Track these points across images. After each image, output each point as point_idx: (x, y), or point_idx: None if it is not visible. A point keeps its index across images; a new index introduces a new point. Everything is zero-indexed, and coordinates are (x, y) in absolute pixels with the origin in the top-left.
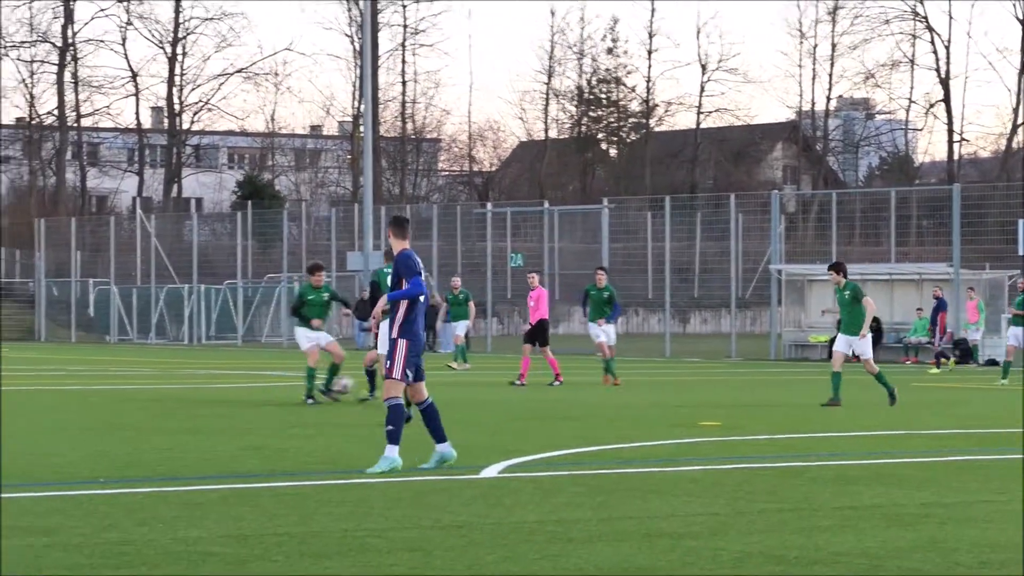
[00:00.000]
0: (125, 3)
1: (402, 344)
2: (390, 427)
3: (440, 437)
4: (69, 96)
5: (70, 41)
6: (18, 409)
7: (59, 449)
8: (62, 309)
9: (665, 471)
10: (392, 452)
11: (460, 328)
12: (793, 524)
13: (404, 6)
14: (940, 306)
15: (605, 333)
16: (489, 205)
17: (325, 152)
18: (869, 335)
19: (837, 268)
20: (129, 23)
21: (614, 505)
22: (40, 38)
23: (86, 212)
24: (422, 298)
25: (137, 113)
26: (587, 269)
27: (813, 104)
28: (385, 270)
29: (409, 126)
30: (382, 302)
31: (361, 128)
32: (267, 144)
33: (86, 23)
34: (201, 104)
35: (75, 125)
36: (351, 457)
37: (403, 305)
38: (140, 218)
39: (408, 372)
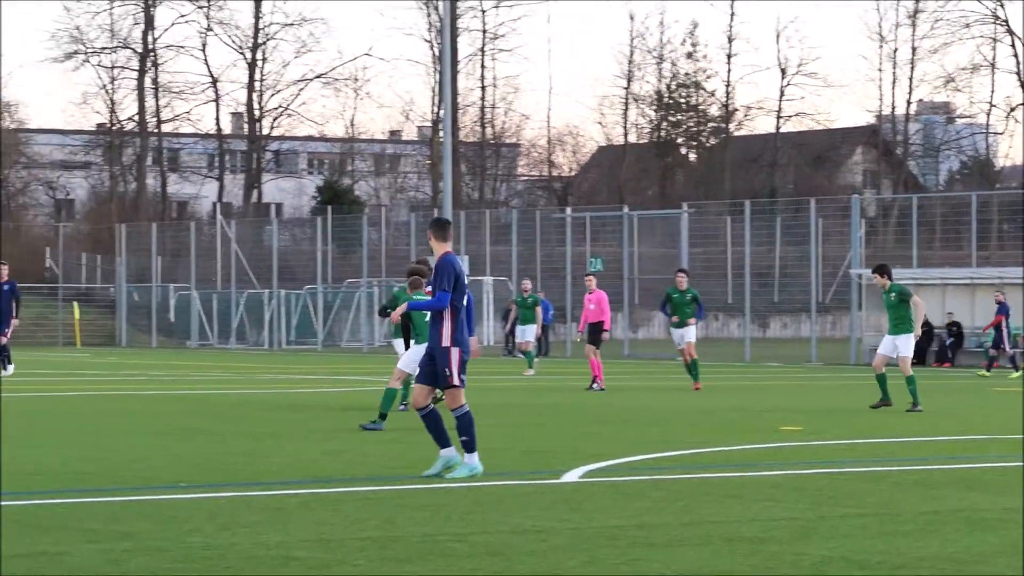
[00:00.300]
0: (205, 9)
1: (454, 352)
2: (464, 437)
3: (444, 442)
4: (150, 102)
5: (151, 47)
6: (100, 414)
7: (141, 454)
8: (143, 314)
9: (746, 475)
10: (472, 459)
11: (529, 333)
12: (875, 529)
13: (483, 11)
14: (1001, 310)
15: (687, 336)
16: (568, 210)
17: (404, 157)
18: (912, 335)
19: (881, 271)
20: (209, 29)
21: (695, 509)
22: (121, 44)
23: (167, 217)
24: (466, 302)
25: (217, 119)
26: (666, 274)
27: (893, 108)
28: (396, 291)
29: (488, 131)
30: (402, 308)
31: (440, 133)
32: (347, 149)
33: (166, 29)
34: (281, 109)
35: (156, 131)
36: (431, 462)
37: (447, 315)
38: (220, 223)
39: (464, 378)
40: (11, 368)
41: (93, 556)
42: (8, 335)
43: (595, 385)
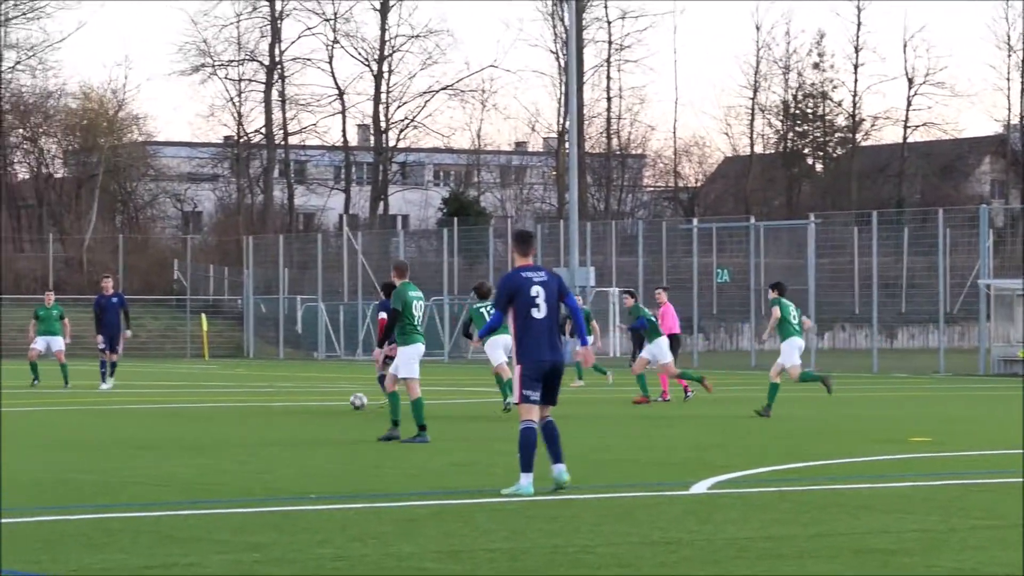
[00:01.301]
0: (332, 22)
1: (517, 369)
2: (519, 454)
3: (557, 458)
4: (277, 114)
5: (277, 60)
6: (228, 425)
7: (269, 465)
8: (270, 326)
9: (875, 487)
10: (524, 480)
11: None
12: (1006, 541)
13: (609, 22)
14: None
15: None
16: (695, 221)
17: (530, 168)
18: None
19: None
20: (336, 42)
21: (824, 521)
22: (248, 57)
23: (293, 229)
24: (537, 315)
25: (344, 131)
26: (794, 284)
27: (1022, 117)
28: (475, 307)
29: (614, 142)
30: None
31: (566, 144)
32: (473, 161)
33: (293, 42)
34: (407, 121)
35: (282, 143)
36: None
37: (512, 331)
38: (347, 235)
39: (527, 393)
40: (110, 383)
41: (223, 566)
42: (120, 351)
43: (688, 394)
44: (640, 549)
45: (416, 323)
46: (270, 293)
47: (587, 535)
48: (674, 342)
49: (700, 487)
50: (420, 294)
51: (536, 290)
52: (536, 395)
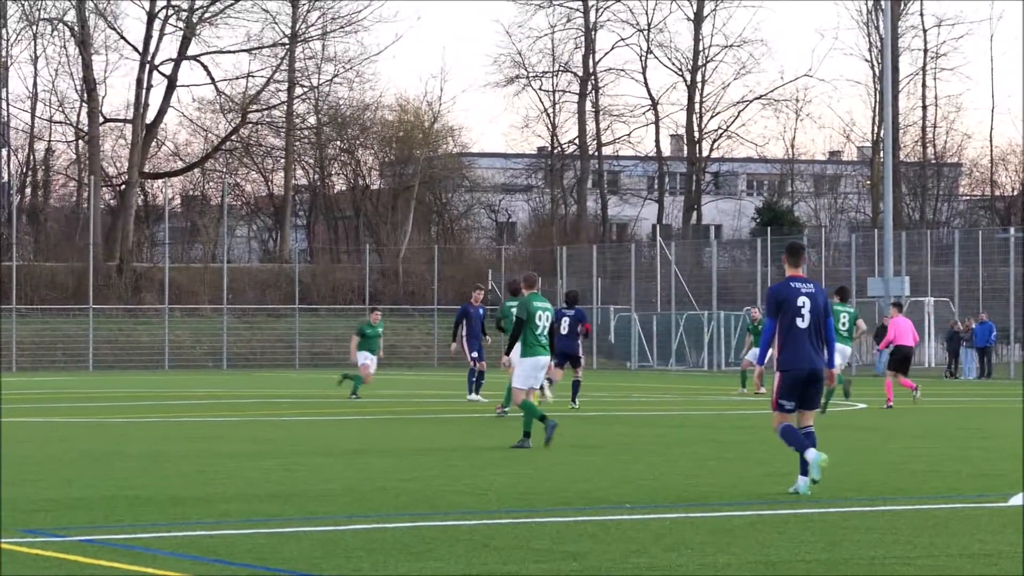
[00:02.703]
0: (645, 32)
1: (777, 376)
2: (791, 447)
3: (802, 447)
4: (590, 125)
5: (591, 70)
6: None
7: (585, 473)
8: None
9: None
10: (809, 456)
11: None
12: None
13: (925, 30)
14: None
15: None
16: (1012, 229)
17: (844, 177)
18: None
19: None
20: (649, 52)
21: None
22: (562, 68)
23: (607, 239)
24: (801, 324)
25: (657, 141)
26: None
27: None
28: (508, 304)
29: (929, 150)
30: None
31: (881, 153)
32: (786, 170)
33: (607, 52)
34: (720, 131)
35: (596, 153)
36: (878, 483)
37: (777, 337)
38: (660, 245)
39: (782, 402)
40: (477, 396)
41: None
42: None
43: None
44: (959, 561)
45: (538, 334)
46: (583, 303)
47: (905, 546)
48: (903, 355)
49: (1019, 499)
50: (547, 305)
51: (803, 300)
52: (791, 404)
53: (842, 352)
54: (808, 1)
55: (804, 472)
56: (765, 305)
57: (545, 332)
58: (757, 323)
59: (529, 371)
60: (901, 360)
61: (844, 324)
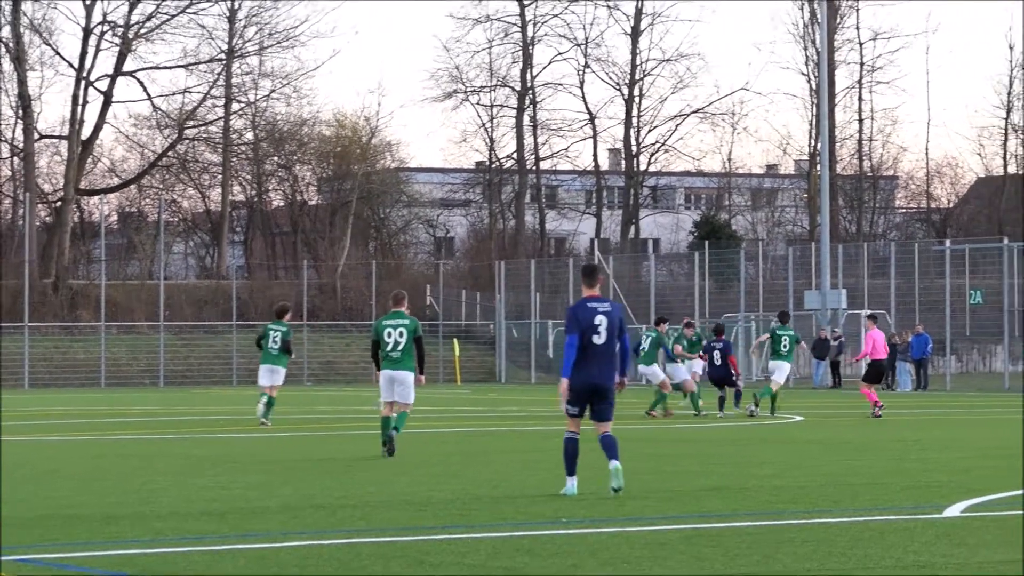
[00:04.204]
0: (583, 47)
1: (564, 383)
2: (564, 459)
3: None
4: (528, 139)
5: (529, 85)
6: (483, 451)
7: (521, 489)
8: (522, 350)
9: None
10: (568, 483)
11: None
12: None
13: (861, 44)
14: None
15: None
16: (947, 242)
17: (781, 191)
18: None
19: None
20: (587, 66)
21: None
22: (500, 83)
23: (545, 254)
24: (597, 341)
25: (595, 155)
26: None
27: None
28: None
29: (866, 163)
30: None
31: (818, 166)
32: (724, 184)
33: (544, 67)
34: (658, 145)
35: (534, 168)
36: (814, 495)
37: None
38: (598, 259)
39: (568, 407)
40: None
41: None
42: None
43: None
44: (892, 573)
45: (388, 351)
46: (522, 318)
47: (839, 558)
48: (879, 370)
49: (954, 510)
50: (399, 321)
51: (599, 319)
52: (576, 410)
53: (781, 368)
54: (745, 15)
55: (571, 473)
56: (566, 323)
57: (398, 348)
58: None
59: (383, 384)
60: (877, 373)
61: (785, 345)
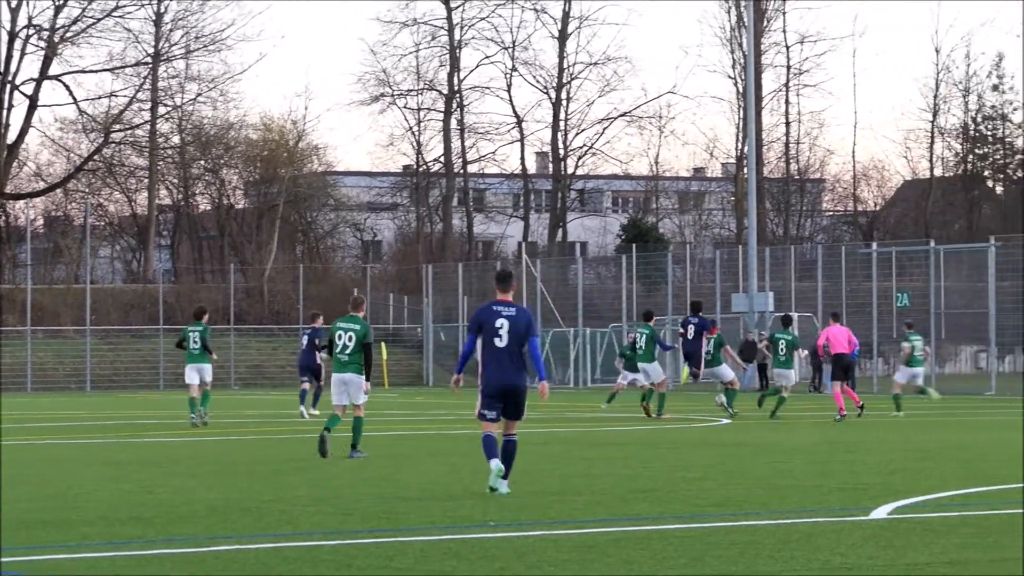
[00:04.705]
0: (510, 50)
1: (480, 389)
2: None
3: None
4: (455, 143)
5: (456, 88)
6: (410, 454)
7: (452, 492)
8: (449, 354)
9: None
10: (491, 464)
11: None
12: None
13: (788, 47)
14: None
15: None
16: (874, 245)
17: (709, 194)
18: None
19: None
20: (514, 69)
21: (1006, 546)
22: (427, 86)
23: (472, 257)
24: (499, 344)
25: (522, 158)
26: (974, 308)
27: None
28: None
29: (793, 166)
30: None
31: (745, 169)
32: (651, 187)
33: (472, 70)
34: (585, 148)
35: (461, 171)
36: (741, 498)
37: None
38: (526, 263)
39: (484, 412)
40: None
41: None
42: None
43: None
44: (821, 574)
45: (337, 353)
46: (449, 321)
47: (767, 561)
48: (842, 364)
49: (881, 512)
50: (350, 324)
51: (501, 322)
52: (492, 414)
53: (784, 376)
54: (672, 18)
55: (493, 456)
56: (469, 323)
57: (346, 351)
58: (627, 346)
59: (333, 387)
60: (841, 369)
61: (783, 351)
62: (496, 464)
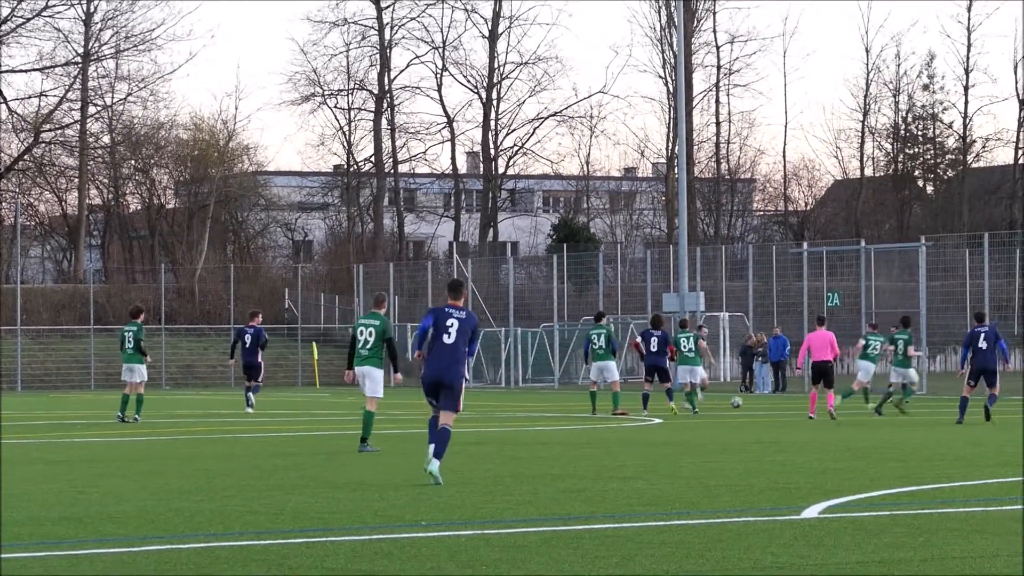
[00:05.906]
0: (441, 50)
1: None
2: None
3: (438, 456)
4: (386, 143)
5: (387, 88)
6: (341, 453)
7: (382, 493)
8: None
9: (988, 510)
10: (430, 450)
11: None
12: None
13: (718, 47)
14: None
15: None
16: (805, 244)
17: (640, 194)
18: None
19: None
20: (445, 69)
21: (937, 545)
22: (357, 86)
23: (403, 257)
24: (447, 340)
25: (453, 158)
26: (904, 307)
27: None
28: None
29: (723, 166)
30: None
31: (675, 169)
32: (582, 187)
33: (402, 70)
34: (516, 148)
35: (392, 171)
36: (672, 498)
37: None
38: (457, 262)
39: (430, 399)
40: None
41: None
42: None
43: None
44: (752, 574)
45: (359, 347)
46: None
47: (697, 560)
48: (819, 369)
49: (812, 511)
50: (372, 321)
51: (452, 322)
52: (434, 401)
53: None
54: (602, 18)
55: (437, 456)
56: (423, 318)
57: (367, 346)
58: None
59: (359, 379)
60: (818, 374)
61: (901, 349)
62: (433, 448)
